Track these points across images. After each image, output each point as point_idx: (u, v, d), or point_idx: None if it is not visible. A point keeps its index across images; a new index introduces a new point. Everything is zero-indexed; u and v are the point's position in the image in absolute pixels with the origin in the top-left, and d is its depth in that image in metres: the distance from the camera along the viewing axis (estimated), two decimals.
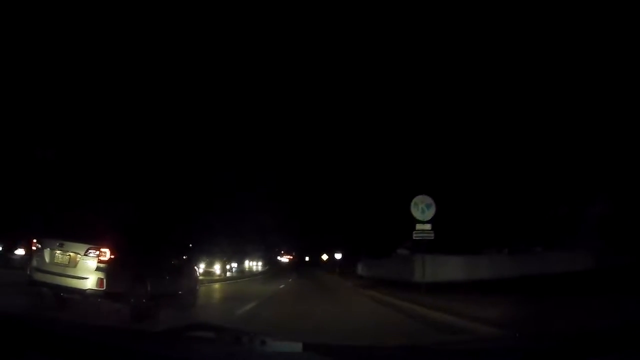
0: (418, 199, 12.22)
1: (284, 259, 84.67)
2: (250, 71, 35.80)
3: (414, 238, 12.32)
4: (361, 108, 31.32)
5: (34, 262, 7.06)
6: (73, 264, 6.64)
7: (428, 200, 12.19)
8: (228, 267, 32.87)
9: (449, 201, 16.35)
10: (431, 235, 11.85)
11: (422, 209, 12.05)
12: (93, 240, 6.63)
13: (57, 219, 7.40)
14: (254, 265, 49.08)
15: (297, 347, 2.58)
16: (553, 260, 16.02)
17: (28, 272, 7.19)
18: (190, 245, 10.66)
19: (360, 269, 30.56)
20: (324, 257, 46.87)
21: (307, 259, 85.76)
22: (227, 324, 4.18)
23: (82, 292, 6.51)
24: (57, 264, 6.77)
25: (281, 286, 20.27)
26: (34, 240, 7.27)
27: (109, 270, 6.53)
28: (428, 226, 11.89)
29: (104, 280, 6.47)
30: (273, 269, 54.57)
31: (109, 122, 20.40)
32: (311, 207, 52.98)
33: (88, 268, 6.54)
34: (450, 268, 15.89)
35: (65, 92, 19.17)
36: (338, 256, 44.34)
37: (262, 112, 40.09)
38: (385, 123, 27.46)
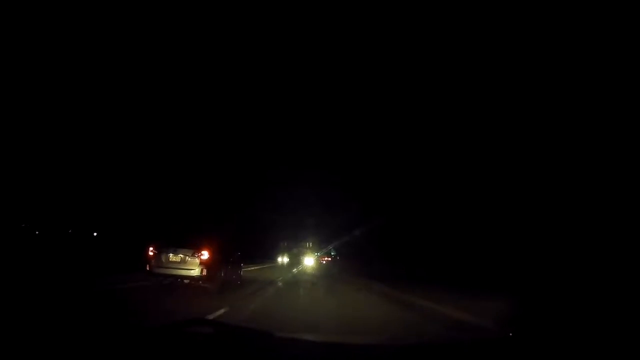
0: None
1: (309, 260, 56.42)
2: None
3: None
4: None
5: (153, 262, 11.66)
6: (184, 261, 11.34)
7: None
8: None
9: None
10: None
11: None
12: (196, 248, 11.37)
13: (170, 235, 12.02)
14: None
15: (300, 344, 2.46)
16: None
17: (147, 268, 11.78)
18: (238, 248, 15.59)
19: None
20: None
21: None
22: (226, 321, 4.27)
23: (191, 277, 11.25)
24: (173, 262, 11.42)
25: None
26: (151, 249, 11.89)
27: (206, 264, 11.29)
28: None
29: (204, 270, 11.23)
30: None
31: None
32: None
33: (194, 263, 11.26)
34: None
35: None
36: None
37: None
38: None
